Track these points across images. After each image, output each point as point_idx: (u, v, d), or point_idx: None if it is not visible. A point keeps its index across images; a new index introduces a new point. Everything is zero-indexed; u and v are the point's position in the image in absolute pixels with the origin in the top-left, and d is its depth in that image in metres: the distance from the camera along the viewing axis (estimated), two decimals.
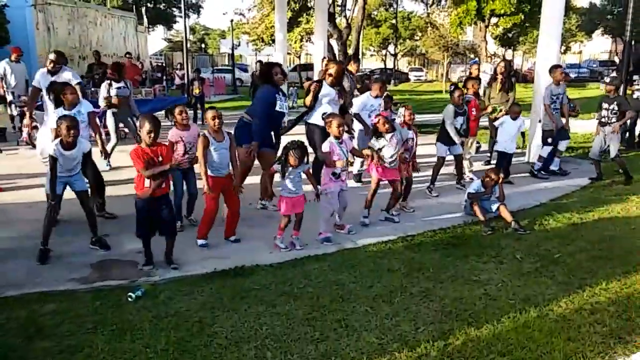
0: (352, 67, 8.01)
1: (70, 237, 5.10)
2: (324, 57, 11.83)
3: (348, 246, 5.01)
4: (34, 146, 9.70)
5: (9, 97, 10.72)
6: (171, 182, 4.67)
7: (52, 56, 6.56)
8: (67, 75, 6.50)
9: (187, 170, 5.50)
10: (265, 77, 5.91)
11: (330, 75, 6.19)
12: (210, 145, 4.76)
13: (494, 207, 5.70)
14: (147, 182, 4.25)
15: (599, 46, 48.37)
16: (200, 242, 4.91)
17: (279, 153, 4.98)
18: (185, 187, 5.50)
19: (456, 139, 6.72)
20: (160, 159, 4.28)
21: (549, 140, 7.72)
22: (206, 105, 14.30)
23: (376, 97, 7.04)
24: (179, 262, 4.53)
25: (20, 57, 11.17)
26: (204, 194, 4.83)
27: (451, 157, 7.02)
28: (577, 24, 39.99)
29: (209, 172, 4.81)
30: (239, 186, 5.07)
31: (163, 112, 12.18)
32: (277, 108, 5.74)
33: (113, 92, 8.05)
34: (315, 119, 6.20)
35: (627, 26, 10.25)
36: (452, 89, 7.21)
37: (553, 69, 7.81)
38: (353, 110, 7.04)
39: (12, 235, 5.22)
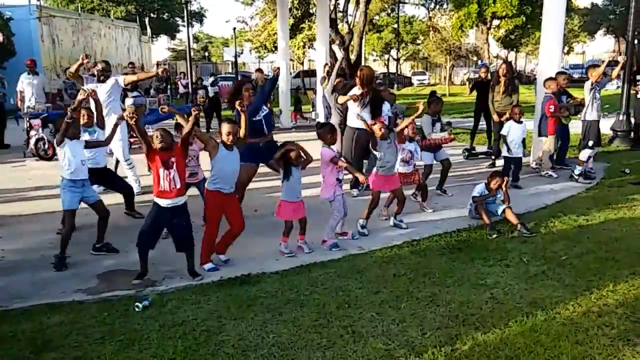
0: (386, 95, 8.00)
1: (76, 249, 5.12)
2: (326, 64, 11.87)
3: (354, 252, 5.01)
4: (41, 158, 9.79)
5: (25, 110, 10.82)
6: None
7: (99, 66, 6.89)
8: (111, 82, 6.78)
9: (198, 184, 5.55)
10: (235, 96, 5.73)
11: (358, 77, 6.60)
12: (218, 152, 4.53)
13: (500, 209, 5.69)
14: (162, 183, 4.20)
15: (602, 46, 48.32)
16: (207, 266, 4.60)
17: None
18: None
19: (441, 134, 6.75)
20: (173, 159, 4.25)
21: (590, 143, 7.50)
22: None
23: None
24: (185, 271, 4.50)
25: (33, 68, 11.33)
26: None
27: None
28: (580, 24, 39.93)
29: (210, 187, 4.57)
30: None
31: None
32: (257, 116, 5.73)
33: (129, 101, 8.06)
34: (350, 122, 6.71)
35: (629, 25, 10.22)
36: (430, 99, 6.97)
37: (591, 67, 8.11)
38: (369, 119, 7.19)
39: (18, 247, 5.25)
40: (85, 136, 5.44)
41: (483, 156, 9.54)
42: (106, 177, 5.99)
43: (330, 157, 5.04)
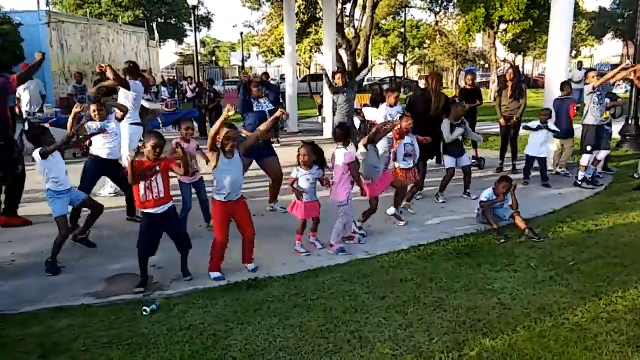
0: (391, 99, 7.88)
1: (85, 253, 5.17)
2: (334, 71, 11.89)
3: (360, 257, 5.00)
4: None
5: (24, 115, 10.93)
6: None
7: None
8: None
9: (197, 183, 5.64)
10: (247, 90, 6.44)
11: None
12: (219, 161, 4.41)
13: (508, 214, 5.66)
14: (141, 192, 4.20)
15: (610, 50, 48.12)
16: (213, 275, 4.53)
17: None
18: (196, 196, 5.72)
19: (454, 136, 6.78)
20: (157, 168, 4.23)
21: (588, 148, 7.50)
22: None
23: (392, 106, 7.17)
24: (192, 275, 4.56)
25: None
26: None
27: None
28: (587, 28, 39.74)
29: (216, 196, 4.48)
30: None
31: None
32: (255, 109, 6.31)
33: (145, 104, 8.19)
34: None
35: (638, 29, 10.17)
36: (454, 101, 7.19)
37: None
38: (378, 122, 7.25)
39: (27, 251, 5.29)
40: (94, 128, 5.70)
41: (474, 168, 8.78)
42: (115, 171, 6.01)
43: (351, 161, 5.06)
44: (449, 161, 6.90)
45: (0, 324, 3.79)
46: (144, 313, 3.87)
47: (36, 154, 4.81)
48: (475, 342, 3.39)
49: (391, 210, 5.85)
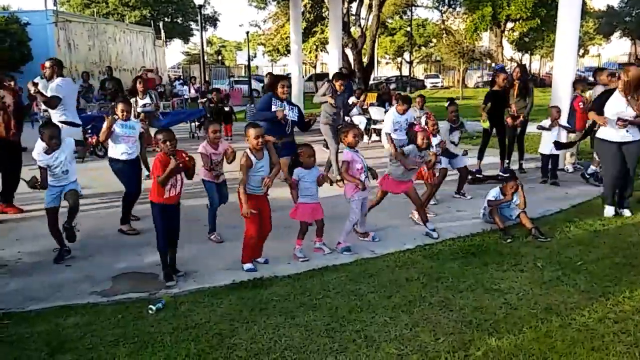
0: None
1: (92, 252, 5.19)
2: (341, 67, 11.87)
3: (366, 256, 4.99)
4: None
5: (41, 114, 10.98)
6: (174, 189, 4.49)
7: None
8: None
9: (220, 183, 5.63)
10: (270, 88, 6.34)
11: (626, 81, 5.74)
12: (252, 164, 4.54)
13: (514, 214, 5.64)
14: (167, 188, 4.32)
15: (618, 49, 47.80)
16: (246, 266, 4.66)
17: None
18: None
19: (456, 151, 6.73)
20: (180, 165, 4.32)
21: None
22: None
23: (402, 113, 7.13)
24: (198, 274, 4.57)
25: None
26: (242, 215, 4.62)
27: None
28: (595, 26, 39.53)
29: (248, 192, 4.57)
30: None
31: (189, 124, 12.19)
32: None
33: (138, 109, 8.19)
34: (604, 133, 5.94)
35: None
36: (447, 104, 7.11)
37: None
38: (384, 130, 7.22)
39: (34, 249, 5.31)
40: (120, 130, 5.66)
41: (493, 181, 7.56)
42: (137, 168, 6.00)
43: (344, 160, 5.03)
44: (442, 161, 6.81)
45: (8, 322, 3.81)
46: (150, 311, 3.88)
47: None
48: (481, 341, 3.37)
49: (424, 230, 5.60)
